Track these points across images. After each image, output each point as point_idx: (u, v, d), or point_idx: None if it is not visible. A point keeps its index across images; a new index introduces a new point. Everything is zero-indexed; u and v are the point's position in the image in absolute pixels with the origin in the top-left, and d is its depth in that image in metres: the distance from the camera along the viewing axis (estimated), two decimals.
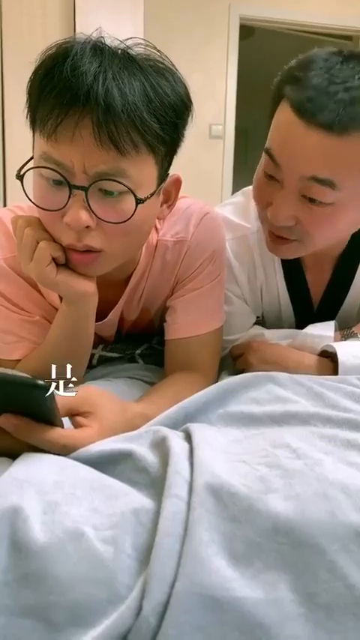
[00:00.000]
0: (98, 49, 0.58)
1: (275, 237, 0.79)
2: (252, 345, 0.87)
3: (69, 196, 0.59)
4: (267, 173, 0.75)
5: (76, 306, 0.70)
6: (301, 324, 0.92)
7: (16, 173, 0.62)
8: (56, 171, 0.59)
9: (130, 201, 0.61)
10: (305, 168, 0.69)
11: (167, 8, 3.43)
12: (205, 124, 3.63)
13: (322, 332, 0.85)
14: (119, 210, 0.61)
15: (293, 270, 0.93)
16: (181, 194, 0.74)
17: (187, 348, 0.81)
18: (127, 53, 0.60)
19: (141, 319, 0.88)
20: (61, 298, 0.73)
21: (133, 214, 0.61)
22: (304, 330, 0.87)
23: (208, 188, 3.61)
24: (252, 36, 4.20)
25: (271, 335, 0.91)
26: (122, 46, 0.60)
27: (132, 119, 0.57)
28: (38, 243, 0.64)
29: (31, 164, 0.63)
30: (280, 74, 0.73)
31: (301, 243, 0.78)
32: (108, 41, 0.60)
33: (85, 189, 0.59)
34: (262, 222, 0.83)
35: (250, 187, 0.95)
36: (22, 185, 0.63)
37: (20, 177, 0.63)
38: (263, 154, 0.75)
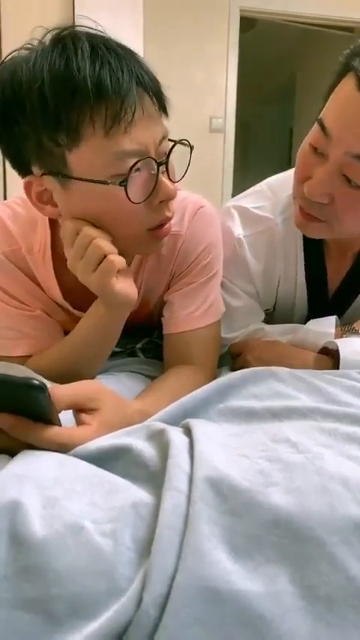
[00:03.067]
0: (94, 50, 0.58)
1: (305, 214, 0.78)
2: (250, 344, 0.87)
3: (157, 174, 0.64)
4: (313, 145, 0.73)
5: (118, 310, 0.71)
6: (313, 314, 0.91)
7: (120, 181, 0.61)
8: (149, 158, 0.62)
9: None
10: (354, 144, 0.67)
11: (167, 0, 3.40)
12: (206, 117, 3.61)
13: (323, 328, 0.84)
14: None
15: (314, 260, 0.92)
16: (179, 187, 0.74)
17: (185, 343, 0.81)
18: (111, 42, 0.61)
19: (140, 312, 0.88)
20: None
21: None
22: (305, 326, 0.86)
23: (208, 182, 3.59)
24: (253, 28, 4.17)
25: (272, 330, 0.90)
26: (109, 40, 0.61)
27: (158, 87, 0.64)
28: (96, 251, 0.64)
29: (108, 174, 0.61)
30: (352, 47, 0.70)
31: (329, 226, 0.76)
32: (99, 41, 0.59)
33: (165, 162, 0.64)
34: (295, 197, 0.81)
35: (275, 180, 0.94)
36: (126, 190, 0.61)
37: (124, 184, 0.61)
38: (315, 125, 0.73)
